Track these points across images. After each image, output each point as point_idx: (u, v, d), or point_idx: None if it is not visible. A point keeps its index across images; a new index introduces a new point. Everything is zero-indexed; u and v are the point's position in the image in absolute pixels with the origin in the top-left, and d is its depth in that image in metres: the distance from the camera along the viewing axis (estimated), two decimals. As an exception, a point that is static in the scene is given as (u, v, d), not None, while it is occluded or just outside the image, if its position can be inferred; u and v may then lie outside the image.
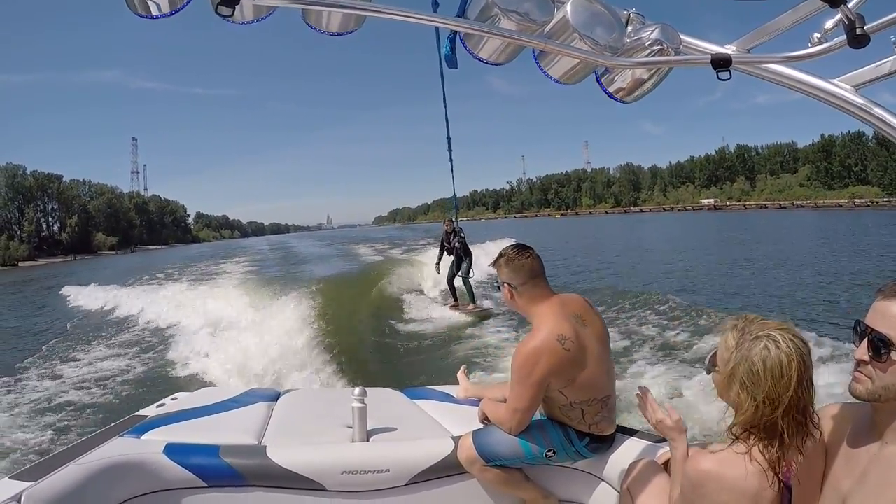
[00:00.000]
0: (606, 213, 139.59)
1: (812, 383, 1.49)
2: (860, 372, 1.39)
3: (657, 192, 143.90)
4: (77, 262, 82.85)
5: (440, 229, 13.25)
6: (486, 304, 12.43)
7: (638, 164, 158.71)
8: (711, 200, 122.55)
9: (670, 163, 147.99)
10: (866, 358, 1.36)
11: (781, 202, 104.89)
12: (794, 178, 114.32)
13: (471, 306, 12.06)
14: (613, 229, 59.66)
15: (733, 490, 1.46)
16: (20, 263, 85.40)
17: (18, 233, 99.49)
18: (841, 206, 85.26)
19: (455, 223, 11.85)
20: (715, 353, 1.64)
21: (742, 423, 1.51)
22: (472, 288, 12.30)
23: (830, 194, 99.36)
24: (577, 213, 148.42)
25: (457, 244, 11.98)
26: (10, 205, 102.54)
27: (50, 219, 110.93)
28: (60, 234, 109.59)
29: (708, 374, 1.66)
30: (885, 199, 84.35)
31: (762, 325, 1.54)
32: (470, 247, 12.32)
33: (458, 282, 12.41)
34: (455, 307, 12.26)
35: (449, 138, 4.45)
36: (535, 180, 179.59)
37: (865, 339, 1.37)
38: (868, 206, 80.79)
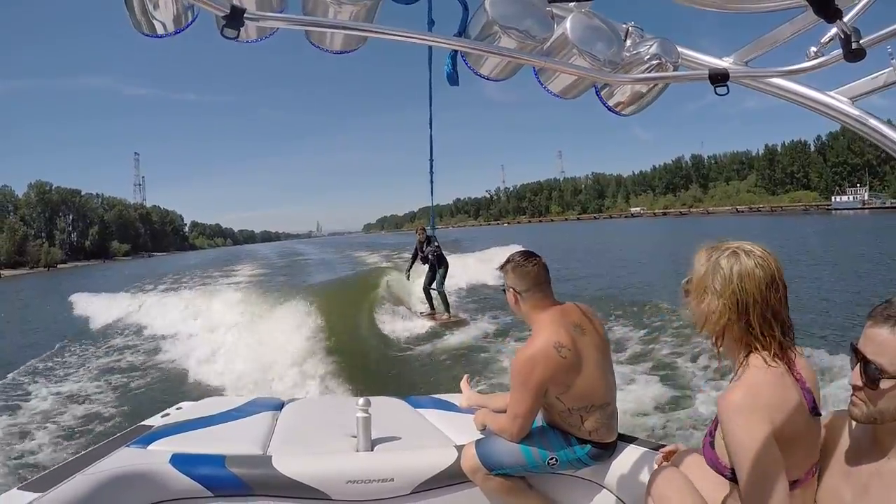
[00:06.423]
0: (552, 221, 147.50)
1: (785, 287, 1.45)
2: (856, 396, 1.32)
3: (620, 199, 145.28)
4: (105, 265, 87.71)
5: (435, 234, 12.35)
6: (462, 314, 11.69)
7: (611, 173, 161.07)
8: (638, 209, 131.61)
9: (633, 172, 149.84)
10: (860, 384, 1.29)
11: (671, 210, 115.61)
12: (743, 185, 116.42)
13: (445, 316, 11.14)
14: (541, 236, 60.27)
15: (772, 406, 1.36)
16: (59, 266, 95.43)
17: (48, 241, 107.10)
18: (759, 209, 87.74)
19: (429, 231, 11.20)
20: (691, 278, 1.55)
21: (711, 330, 1.47)
22: (446, 298, 11.62)
23: (773, 199, 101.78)
24: (529, 221, 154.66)
25: (430, 255, 11.26)
26: (42, 217, 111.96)
27: (71, 228, 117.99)
28: (83, 242, 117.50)
29: (686, 295, 1.56)
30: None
31: (734, 244, 1.51)
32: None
33: (434, 292, 11.62)
34: (431, 316, 11.30)
35: (431, 160, 4.28)
36: (511, 189, 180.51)
37: (859, 365, 1.30)
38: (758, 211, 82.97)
